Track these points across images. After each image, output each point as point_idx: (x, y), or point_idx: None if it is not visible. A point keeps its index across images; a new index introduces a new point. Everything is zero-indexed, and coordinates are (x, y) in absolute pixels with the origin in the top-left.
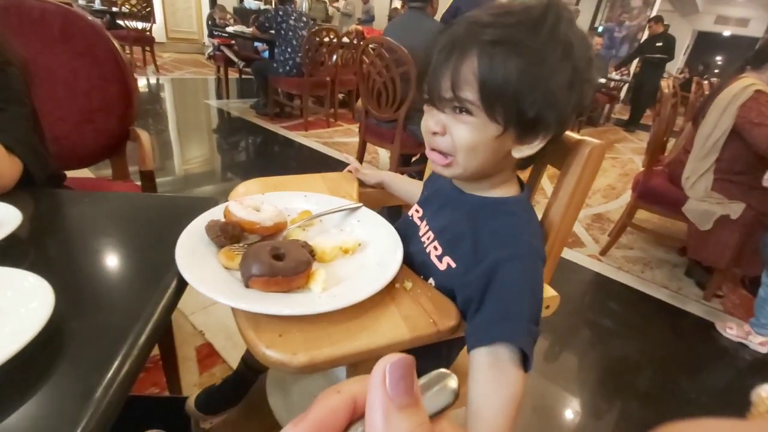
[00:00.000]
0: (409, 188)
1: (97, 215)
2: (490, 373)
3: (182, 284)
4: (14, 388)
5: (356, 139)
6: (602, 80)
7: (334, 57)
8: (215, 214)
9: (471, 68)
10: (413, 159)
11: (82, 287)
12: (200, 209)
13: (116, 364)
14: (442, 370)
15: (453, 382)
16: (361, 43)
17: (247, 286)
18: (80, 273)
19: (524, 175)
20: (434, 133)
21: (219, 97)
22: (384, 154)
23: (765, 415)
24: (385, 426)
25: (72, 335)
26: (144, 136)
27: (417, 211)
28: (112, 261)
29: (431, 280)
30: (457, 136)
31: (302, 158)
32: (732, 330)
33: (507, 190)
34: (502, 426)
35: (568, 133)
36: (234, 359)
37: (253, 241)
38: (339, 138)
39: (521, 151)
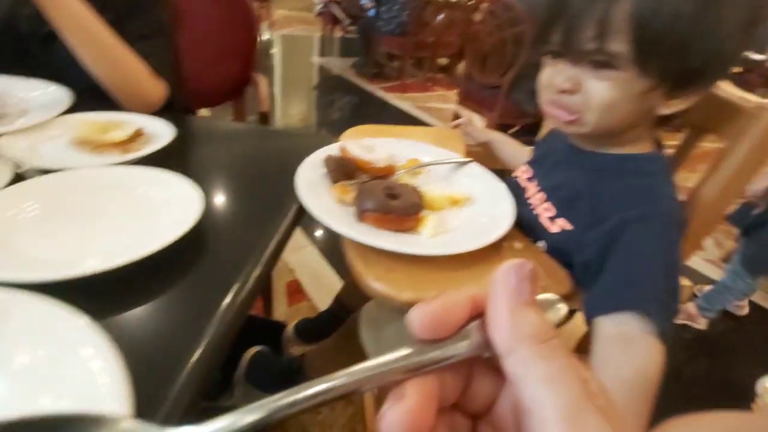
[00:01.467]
0: (517, 154)
1: (230, 141)
2: (614, 347)
3: (301, 211)
4: (148, 286)
5: (452, 106)
6: None
7: (440, 16)
8: (331, 151)
9: (625, 12)
10: (510, 131)
11: (217, 204)
12: (315, 145)
13: (240, 281)
14: (550, 294)
15: (563, 306)
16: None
17: (360, 220)
18: (218, 190)
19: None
20: (563, 91)
21: (322, 54)
22: (478, 123)
23: None
24: (510, 317)
25: (208, 245)
26: (262, 81)
27: (524, 172)
28: (242, 184)
29: (541, 243)
30: (594, 93)
31: (395, 121)
32: None
33: (637, 147)
34: (635, 409)
35: (743, 95)
36: (317, 298)
37: (363, 180)
38: (434, 103)
39: (670, 107)
